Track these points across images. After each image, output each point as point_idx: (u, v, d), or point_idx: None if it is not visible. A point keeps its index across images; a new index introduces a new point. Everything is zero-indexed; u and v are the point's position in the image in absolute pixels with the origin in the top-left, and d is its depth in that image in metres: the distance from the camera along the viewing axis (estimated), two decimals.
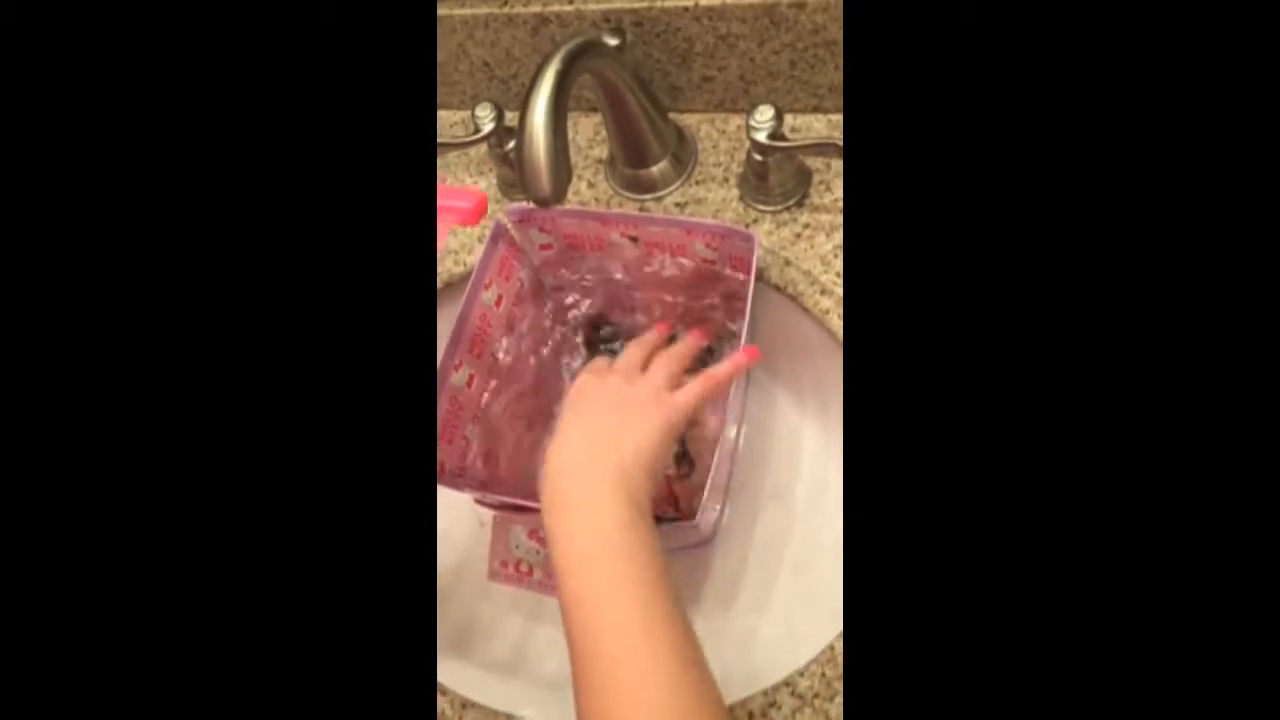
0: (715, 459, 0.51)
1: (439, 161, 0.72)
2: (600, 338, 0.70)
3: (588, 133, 0.69)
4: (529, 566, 0.64)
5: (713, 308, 0.64)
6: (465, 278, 0.62)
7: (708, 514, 0.54)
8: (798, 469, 0.65)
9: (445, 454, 0.56)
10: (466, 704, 0.55)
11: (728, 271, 0.59)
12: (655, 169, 0.63)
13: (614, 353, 0.69)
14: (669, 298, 0.65)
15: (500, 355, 0.62)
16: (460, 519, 0.68)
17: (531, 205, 0.56)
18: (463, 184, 0.70)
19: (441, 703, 0.56)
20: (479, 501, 0.57)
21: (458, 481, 0.56)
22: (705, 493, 0.50)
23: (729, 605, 0.62)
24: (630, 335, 0.69)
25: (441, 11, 0.64)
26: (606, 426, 0.45)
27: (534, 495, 0.67)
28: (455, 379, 0.57)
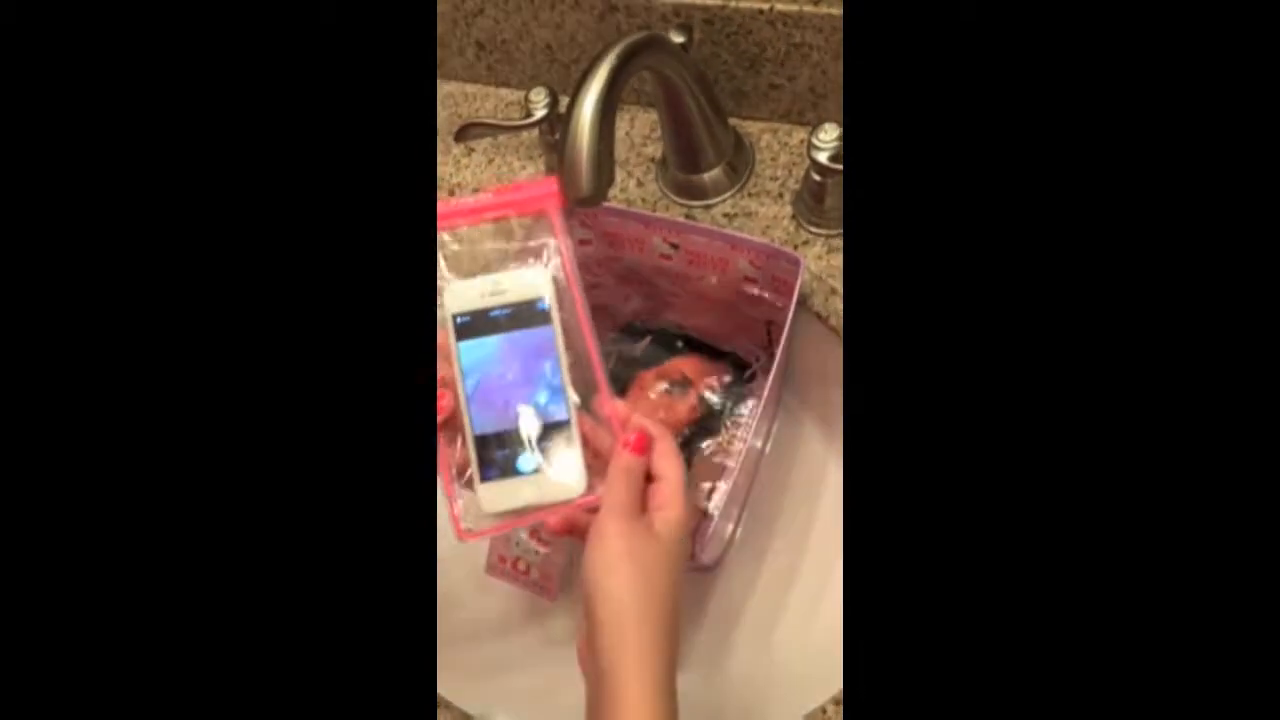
0: (725, 499, 0.48)
1: (490, 141, 0.70)
2: (633, 328, 0.68)
3: (644, 129, 0.66)
4: (526, 566, 0.63)
5: (749, 329, 0.62)
6: None
7: (710, 550, 0.52)
8: (816, 504, 0.62)
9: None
10: (442, 703, 0.54)
11: (768, 294, 0.57)
12: (707, 176, 0.61)
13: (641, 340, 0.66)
14: (705, 306, 0.62)
15: None
16: None
17: None
18: (510, 168, 0.69)
19: None
20: None
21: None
22: (709, 532, 0.48)
23: (726, 639, 0.60)
24: (662, 328, 0.67)
25: None
26: None
27: None
28: None
